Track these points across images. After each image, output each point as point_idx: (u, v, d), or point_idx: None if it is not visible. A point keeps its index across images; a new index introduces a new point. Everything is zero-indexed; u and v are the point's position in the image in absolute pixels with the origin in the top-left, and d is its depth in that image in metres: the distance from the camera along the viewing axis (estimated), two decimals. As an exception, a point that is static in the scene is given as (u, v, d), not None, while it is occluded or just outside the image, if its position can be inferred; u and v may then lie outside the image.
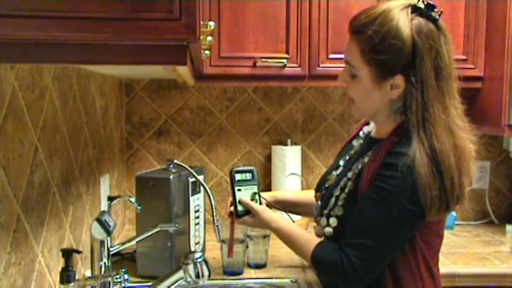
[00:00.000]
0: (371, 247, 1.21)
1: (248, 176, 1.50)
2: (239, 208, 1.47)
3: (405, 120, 1.22)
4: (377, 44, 1.19)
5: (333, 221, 1.30)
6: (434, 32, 1.20)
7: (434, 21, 1.21)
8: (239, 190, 1.48)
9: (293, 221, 1.50)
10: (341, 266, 1.22)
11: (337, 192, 1.32)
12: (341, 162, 1.42)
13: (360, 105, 1.30)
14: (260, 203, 1.48)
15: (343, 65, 1.99)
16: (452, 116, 1.22)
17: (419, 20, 1.20)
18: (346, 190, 1.29)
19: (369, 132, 1.41)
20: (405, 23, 1.19)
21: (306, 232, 1.38)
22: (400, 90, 1.22)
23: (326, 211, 1.33)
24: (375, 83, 1.24)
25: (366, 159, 1.28)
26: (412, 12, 1.21)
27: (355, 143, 1.43)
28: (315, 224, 1.42)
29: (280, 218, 1.42)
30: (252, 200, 1.47)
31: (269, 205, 1.55)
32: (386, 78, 1.22)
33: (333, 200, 1.32)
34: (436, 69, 1.20)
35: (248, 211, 1.46)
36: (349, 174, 1.31)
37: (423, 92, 1.19)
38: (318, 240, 1.32)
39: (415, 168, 1.15)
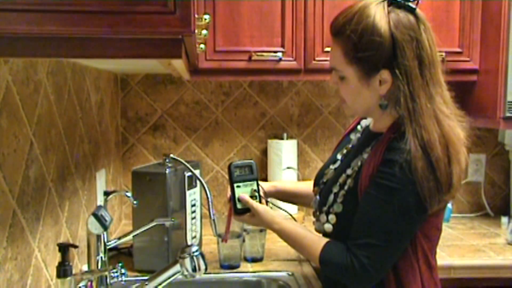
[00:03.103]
0: (379, 246, 1.20)
1: (247, 171, 1.45)
2: (239, 205, 1.42)
3: (400, 114, 1.22)
4: (357, 42, 1.20)
5: (332, 218, 1.30)
6: (413, 22, 1.21)
7: (412, 11, 1.22)
8: (238, 186, 1.43)
9: (290, 215, 1.49)
10: (351, 267, 1.21)
11: (336, 189, 1.31)
12: (339, 156, 1.42)
13: (352, 104, 1.30)
14: (260, 201, 1.44)
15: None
16: (438, 104, 1.22)
17: (396, 13, 1.20)
18: (346, 187, 1.29)
19: (367, 126, 1.41)
20: (381, 17, 1.19)
21: (310, 232, 1.35)
22: (388, 84, 1.22)
23: (325, 208, 1.33)
24: (363, 82, 1.24)
25: (365, 156, 1.28)
26: (389, 6, 1.21)
27: (353, 136, 1.43)
28: (313, 219, 1.42)
29: (282, 219, 1.39)
30: (251, 197, 1.42)
31: (266, 201, 1.53)
32: (371, 75, 1.23)
33: (332, 197, 1.31)
34: (419, 59, 1.20)
35: (248, 208, 1.42)
36: (348, 171, 1.30)
37: (409, 83, 1.20)
38: (324, 240, 1.29)
39: (412, 162, 1.15)
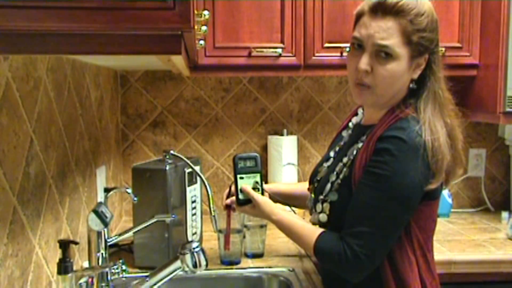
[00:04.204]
0: (371, 234, 1.21)
1: (251, 163, 1.47)
2: (240, 196, 1.45)
3: (417, 98, 1.26)
4: (422, 23, 1.22)
5: (326, 206, 1.31)
6: None
7: None
8: (241, 178, 1.46)
9: (295, 213, 1.50)
10: (344, 256, 1.22)
11: (333, 178, 1.33)
12: (332, 154, 1.43)
13: (387, 88, 1.25)
14: (262, 193, 1.46)
15: (337, 54, 2.01)
16: (444, 87, 1.29)
17: None
18: (341, 176, 1.30)
19: (358, 122, 1.41)
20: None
21: (307, 223, 1.37)
22: (421, 69, 1.27)
23: (321, 197, 1.34)
24: (409, 64, 1.25)
25: (360, 145, 1.29)
26: None
27: (345, 134, 1.44)
28: (310, 216, 1.43)
29: (280, 210, 1.41)
30: (254, 189, 1.45)
31: (271, 196, 1.54)
32: (418, 57, 1.25)
33: (329, 186, 1.33)
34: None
35: (249, 200, 1.44)
36: (344, 160, 1.32)
37: (440, 67, 1.28)
38: (319, 230, 1.31)
39: (424, 146, 1.19)
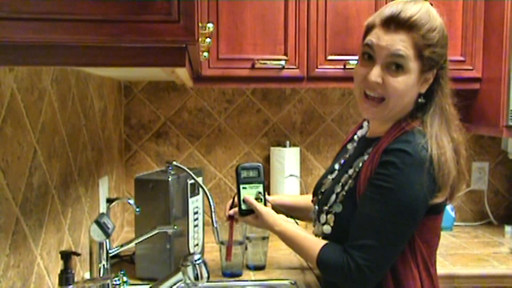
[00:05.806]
0: (375, 247, 1.21)
1: (254, 173, 1.48)
2: (243, 207, 1.45)
3: (424, 112, 1.26)
4: (434, 38, 1.23)
5: (330, 217, 1.31)
6: None
7: None
8: (244, 188, 1.46)
9: (298, 224, 1.49)
10: (347, 268, 1.21)
11: (338, 189, 1.33)
12: (336, 166, 1.43)
13: (397, 101, 1.25)
14: (265, 204, 1.46)
15: (341, 66, 2.02)
16: (450, 102, 1.29)
17: None
18: (346, 187, 1.30)
19: (363, 135, 1.41)
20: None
21: (310, 235, 1.37)
22: (429, 83, 1.27)
23: (326, 208, 1.33)
24: (419, 78, 1.25)
25: (365, 157, 1.29)
26: None
27: (350, 146, 1.44)
28: (313, 228, 1.42)
29: (283, 221, 1.41)
30: (256, 199, 1.45)
31: (274, 207, 1.54)
32: (428, 72, 1.26)
33: (333, 197, 1.33)
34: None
35: (252, 210, 1.44)
36: (350, 171, 1.32)
37: (447, 82, 1.28)
38: (323, 242, 1.30)
39: (430, 160, 1.18)
